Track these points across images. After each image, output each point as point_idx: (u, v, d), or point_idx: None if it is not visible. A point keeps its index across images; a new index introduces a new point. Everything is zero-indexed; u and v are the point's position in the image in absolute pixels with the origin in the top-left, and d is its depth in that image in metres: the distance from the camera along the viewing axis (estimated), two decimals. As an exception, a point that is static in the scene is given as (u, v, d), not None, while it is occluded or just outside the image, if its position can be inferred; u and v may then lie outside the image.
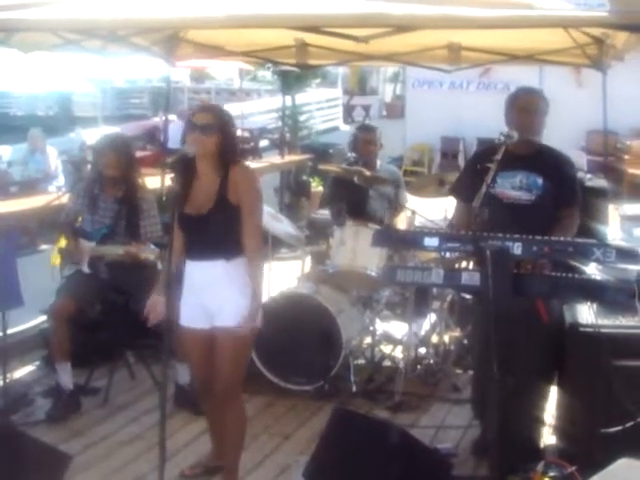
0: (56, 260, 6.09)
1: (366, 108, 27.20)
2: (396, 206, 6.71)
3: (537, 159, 4.87)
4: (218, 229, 4.27)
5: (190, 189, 4.34)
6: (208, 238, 4.29)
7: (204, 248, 4.31)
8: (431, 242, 3.82)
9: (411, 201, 6.97)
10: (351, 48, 6.42)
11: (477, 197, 4.21)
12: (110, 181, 5.77)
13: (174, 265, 4.37)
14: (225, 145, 4.26)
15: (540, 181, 4.84)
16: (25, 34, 5.21)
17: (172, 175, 4.18)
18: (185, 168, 4.29)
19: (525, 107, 4.83)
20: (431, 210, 6.69)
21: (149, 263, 5.58)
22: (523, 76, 12.68)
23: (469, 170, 5.14)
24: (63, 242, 5.97)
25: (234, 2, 3.98)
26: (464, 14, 3.47)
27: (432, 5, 3.50)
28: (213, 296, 4.33)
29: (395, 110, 24.83)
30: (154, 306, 4.46)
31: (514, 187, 4.85)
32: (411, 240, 4.12)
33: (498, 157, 4.43)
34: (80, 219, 5.90)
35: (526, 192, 4.84)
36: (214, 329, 4.37)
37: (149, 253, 5.48)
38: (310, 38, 6.54)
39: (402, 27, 3.99)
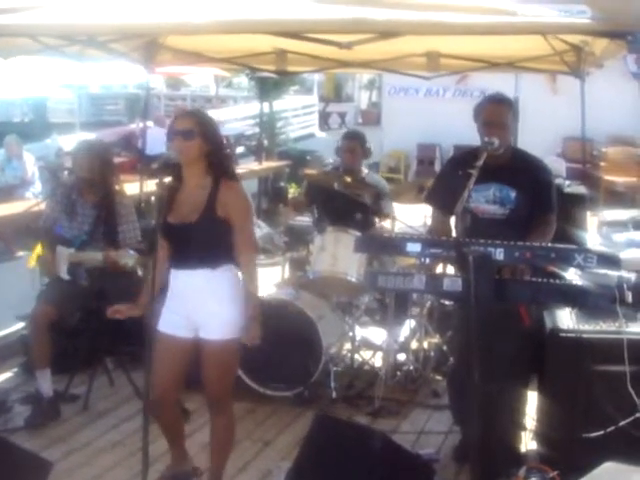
0: (32, 261, 6.04)
1: (342, 115, 27.19)
2: (379, 215, 6.69)
3: (510, 170, 4.87)
4: (204, 240, 4.24)
5: (175, 197, 4.32)
6: (193, 248, 4.25)
7: (189, 257, 4.28)
8: (414, 248, 3.82)
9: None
10: (330, 55, 6.45)
11: (459, 202, 4.21)
12: (87, 186, 5.74)
13: (159, 273, 4.33)
14: (208, 150, 4.24)
15: (513, 194, 4.85)
16: (4, 39, 5.18)
17: (157, 181, 4.14)
18: (171, 175, 4.27)
19: (491, 120, 4.82)
20: (410, 216, 6.71)
21: (129, 269, 5.56)
22: (499, 83, 12.65)
23: (446, 176, 5.12)
24: (40, 248, 5.93)
25: (216, 8, 3.98)
26: (447, 20, 3.49)
27: (415, 11, 3.52)
28: (198, 306, 4.31)
29: (371, 117, 24.83)
30: (121, 308, 4.47)
31: (488, 201, 4.85)
32: (394, 246, 4.11)
33: (480, 163, 4.42)
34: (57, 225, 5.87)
35: (500, 206, 4.86)
36: (200, 340, 4.35)
37: (128, 258, 5.45)
38: (289, 45, 6.55)
39: (385, 33, 4.00)
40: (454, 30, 3.69)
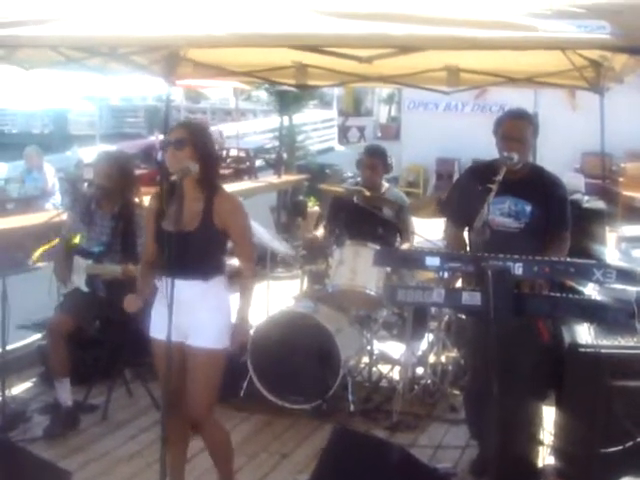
0: (35, 258, 6.04)
1: (361, 129, 27.30)
2: (400, 230, 6.70)
3: (526, 184, 4.87)
4: (199, 249, 4.26)
5: (170, 205, 4.31)
6: (189, 257, 4.23)
7: (184, 267, 4.20)
8: (432, 262, 3.83)
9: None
10: (350, 69, 6.47)
11: (479, 217, 4.22)
12: (106, 196, 5.76)
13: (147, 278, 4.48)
14: (200, 159, 4.23)
15: (529, 208, 4.85)
16: (27, 51, 5.24)
17: (178, 192, 4.16)
18: (168, 186, 4.31)
19: (510, 134, 4.82)
20: (430, 231, 6.72)
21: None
22: (518, 98, 12.73)
23: (463, 188, 5.11)
24: (46, 246, 5.95)
25: (237, 21, 4.00)
26: (466, 35, 3.51)
27: (435, 26, 3.54)
28: (187, 315, 4.25)
29: (390, 131, 24.91)
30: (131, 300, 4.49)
31: (503, 213, 4.85)
32: (412, 260, 4.12)
33: (499, 178, 4.44)
34: (78, 237, 5.89)
35: (515, 220, 4.86)
36: (186, 347, 4.33)
37: None
38: (309, 59, 6.59)
39: (405, 48, 4.02)
40: (475, 45, 3.71)
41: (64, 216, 6.01)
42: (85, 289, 5.74)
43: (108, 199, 5.77)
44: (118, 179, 5.70)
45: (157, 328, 4.37)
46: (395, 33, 3.59)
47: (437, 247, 6.01)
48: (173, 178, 4.15)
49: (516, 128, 4.85)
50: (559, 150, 15.17)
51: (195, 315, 4.29)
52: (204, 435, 4.49)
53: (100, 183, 5.75)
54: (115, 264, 5.62)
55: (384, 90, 27.14)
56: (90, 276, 5.71)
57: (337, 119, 27.96)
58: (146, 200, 6.01)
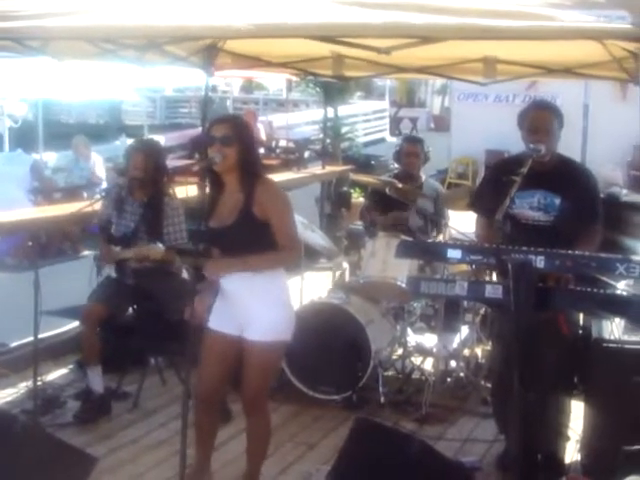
0: None
1: (413, 120, 27.15)
2: (435, 222, 6.68)
3: (555, 177, 4.80)
4: (242, 242, 4.27)
5: (216, 204, 4.40)
6: (232, 250, 4.30)
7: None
8: (454, 254, 3.82)
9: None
10: (386, 60, 6.42)
11: (500, 210, 4.17)
12: (138, 185, 5.82)
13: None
14: (246, 154, 4.29)
15: (558, 201, 4.78)
16: (60, 42, 5.28)
17: (198, 182, 4.22)
18: (213, 181, 4.36)
19: (536, 126, 4.77)
20: (465, 223, 6.67)
21: (174, 270, 5.64)
22: (569, 89, 12.64)
23: (490, 183, 5.06)
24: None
25: (258, 11, 3.98)
26: (484, 24, 3.46)
27: (453, 16, 3.50)
28: (240, 308, 4.37)
29: (443, 123, 24.78)
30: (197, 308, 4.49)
31: (532, 207, 4.80)
32: (434, 251, 4.12)
33: (524, 170, 4.38)
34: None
35: (544, 213, 4.80)
36: (242, 340, 4.40)
37: (157, 252, 5.52)
38: (345, 50, 6.55)
39: (423, 37, 3.98)
40: (490, 34, 3.67)
41: (97, 205, 6.07)
42: (114, 276, 5.81)
43: (139, 188, 5.83)
44: (149, 169, 5.75)
45: (215, 319, 4.48)
46: (413, 22, 3.54)
47: (469, 239, 5.96)
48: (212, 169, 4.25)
49: (542, 119, 4.79)
50: (610, 142, 14.98)
51: (247, 308, 4.34)
52: (250, 421, 4.57)
53: (131, 172, 5.81)
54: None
55: (438, 81, 27.00)
56: (119, 263, 5.78)
57: (389, 110, 27.87)
58: (179, 190, 6.09)
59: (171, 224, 5.74)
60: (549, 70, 6.54)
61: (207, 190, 4.42)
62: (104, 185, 12.53)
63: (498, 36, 3.87)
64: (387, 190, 6.38)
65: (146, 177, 5.74)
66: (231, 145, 4.25)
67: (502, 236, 4.19)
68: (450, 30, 3.57)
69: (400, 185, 6.40)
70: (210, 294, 4.48)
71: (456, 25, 3.53)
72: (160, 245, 5.50)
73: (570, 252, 3.69)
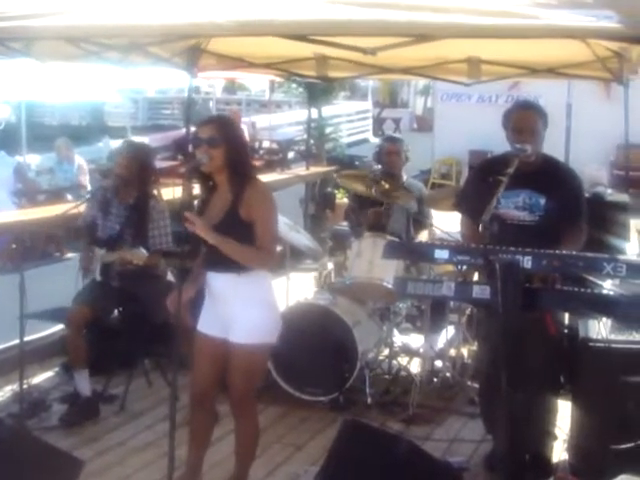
0: None
1: (396, 121, 27.18)
2: (419, 221, 6.68)
3: (540, 177, 4.81)
4: None
5: (208, 203, 4.40)
6: (218, 251, 4.27)
7: (216, 260, 4.32)
8: (441, 254, 3.83)
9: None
10: (370, 61, 6.42)
11: (487, 210, 4.18)
12: (123, 186, 5.80)
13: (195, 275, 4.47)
14: (234, 154, 4.28)
15: (543, 201, 4.80)
16: (43, 44, 5.25)
17: (184, 184, 4.21)
18: (204, 182, 4.36)
19: (521, 126, 4.78)
20: (449, 223, 6.67)
21: (159, 273, 5.63)
22: (552, 89, 12.66)
23: (475, 183, 5.07)
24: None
25: (238, 10, 3.94)
26: (469, 22, 3.45)
27: (440, 14, 3.49)
28: (225, 308, 4.37)
29: (426, 123, 24.83)
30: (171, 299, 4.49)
31: (517, 207, 4.80)
32: (421, 252, 4.12)
33: (511, 170, 4.39)
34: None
35: (529, 213, 4.81)
36: (227, 343, 4.39)
37: (139, 257, 5.52)
38: (329, 50, 6.54)
39: (409, 36, 3.97)
40: (475, 33, 3.64)
41: (82, 207, 6.04)
42: (99, 278, 5.79)
43: (125, 190, 5.81)
44: (136, 171, 5.74)
45: (202, 321, 4.47)
46: (397, 20, 3.53)
47: (454, 239, 5.97)
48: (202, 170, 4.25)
49: (526, 119, 4.80)
50: (594, 141, 15.02)
51: (233, 310, 4.33)
52: (238, 422, 4.56)
53: (119, 173, 5.79)
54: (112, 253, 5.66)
55: (420, 81, 27.03)
56: (104, 266, 5.76)
57: (372, 111, 27.88)
58: (165, 192, 6.07)
59: (156, 227, 5.72)
60: (533, 70, 6.56)
61: (193, 192, 4.40)
62: (88, 187, 12.49)
63: (485, 35, 3.86)
64: (373, 191, 6.36)
65: (132, 178, 5.72)
66: (218, 147, 4.23)
67: (490, 236, 4.20)
68: (437, 28, 3.56)
69: (387, 185, 6.39)
70: (192, 287, 4.45)
71: (443, 24, 3.53)
72: (143, 250, 5.50)
73: (557, 252, 3.70)
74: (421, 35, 3.86)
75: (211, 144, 4.23)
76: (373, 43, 4.46)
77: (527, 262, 3.64)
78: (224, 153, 4.25)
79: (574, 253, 3.83)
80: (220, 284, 4.36)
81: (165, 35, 4.64)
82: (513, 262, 3.62)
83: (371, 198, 6.54)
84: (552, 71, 6.49)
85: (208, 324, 4.45)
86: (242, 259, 4.27)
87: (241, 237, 4.25)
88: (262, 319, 4.36)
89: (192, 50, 6.61)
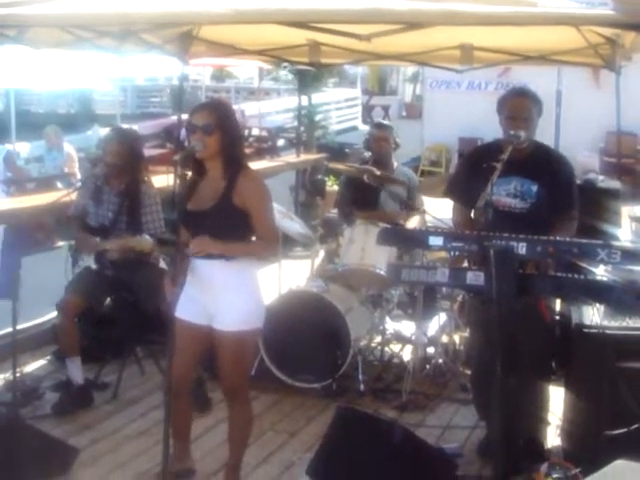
0: None
1: (385, 108, 27.17)
2: (409, 207, 6.68)
3: (532, 164, 4.81)
4: (218, 227, 4.22)
5: (196, 187, 4.36)
6: (206, 234, 4.23)
7: None
8: (436, 241, 3.81)
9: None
10: (364, 47, 6.41)
11: (482, 197, 4.18)
12: (114, 173, 5.76)
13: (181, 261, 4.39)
14: (228, 142, 4.25)
15: (535, 188, 4.80)
16: (36, 31, 5.23)
17: (177, 172, 4.18)
18: (195, 167, 4.33)
19: (515, 113, 4.77)
20: (441, 210, 6.68)
21: (152, 260, 5.61)
22: (541, 76, 12.65)
23: (467, 170, 5.06)
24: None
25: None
26: (466, 10, 3.46)
27: (434, 2, 3.50)
28: (212, 296, 4.32)
29: (415, 110, 24.84)
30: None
31: (509, 194, 4.80)
32: (416, 239, 4.11)
33: (505, 156, 4.39)
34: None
35: (520, 200, 4.80)
36: (213, 331, 4.36)
37: (145, 244, 5.49)
38: (322, 37, 6.53)
39: (404, 23, 3.97)
40: (472, 20, 3.66)
41: (74, 195, 6.01)
42: (93, 267, 5.77)
43: (116, 176, 5.77)
44: (126, 157, 5.71)
45: (183, 308, 4.38)
46: (394, 8, 3.54)
47: (447, 226, 5.98)
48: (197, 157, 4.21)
49: (521, 106, 4.80)
50: (583, 128, 15.05)
51: (220, 297, 4.30)
52: (232, 409, 4.55)
53: (109, 160, 5.75)
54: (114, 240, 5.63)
55: (409, 69, 27.04)
56: (98, 254, 5.73)
57: (361, 98, 27.88)
58: (155, 179, 6.05)
59: (149, 212, 5.69)
60: (525, 57, 6.55)
61: (185, 179, 4.36)
62: (78, 175, 12.46)
63: (481, 22, 3.87)
64: (365, 178, 6.36)
65: (123, 164, 5.70)
66: (213, 133, 4.20)
67: (483, 223, 4.20)
68: (432, 16, 3.56)
69: (378, 172, 6.39)
70: (183, 274, 4.40)
71: (438, 11, 3.53)
72: (148, 237, 5.47)
73: (551, 238, 3.70)
74: (416, 22, 3.86)
75: (206, 131, 4.20)
76: (368, 30, 4.45)
77: (522, 248, 3.63)
78: (219, 140, 4.22)
79: (568, 239, 3.83)
80: (208, 270, 4.31)
81: (162, 24, 4.62)
82: (508, 248, 3.62)
83: (362, 185, 6.52)
84: (544, 57, 6.49)
85: (190, 311, 4.37)
86: (250, 255, 4.32)
87: (233, 223, 4.24)
88: (248, 306, 4.33)
89: (183, 37, 6.60)
